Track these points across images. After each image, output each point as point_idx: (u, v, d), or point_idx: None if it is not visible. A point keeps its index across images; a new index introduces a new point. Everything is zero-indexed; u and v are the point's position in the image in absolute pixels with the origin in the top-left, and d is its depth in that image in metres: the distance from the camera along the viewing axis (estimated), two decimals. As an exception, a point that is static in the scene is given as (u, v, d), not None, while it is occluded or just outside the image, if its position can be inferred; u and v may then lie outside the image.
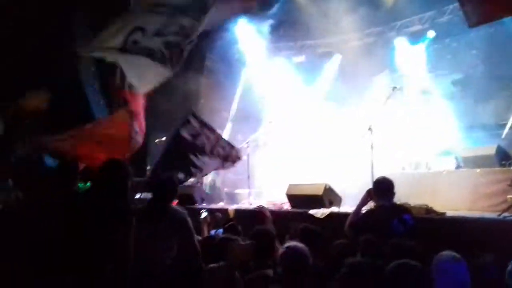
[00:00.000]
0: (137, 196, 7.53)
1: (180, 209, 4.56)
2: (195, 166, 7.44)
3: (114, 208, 3.25)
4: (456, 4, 10.59)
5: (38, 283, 3.02)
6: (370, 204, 5.16)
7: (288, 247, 3.38)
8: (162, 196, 4.39)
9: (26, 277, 3.01)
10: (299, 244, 3.46)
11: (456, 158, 8.03)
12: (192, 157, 7.39)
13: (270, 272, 3.30)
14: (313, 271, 3.35)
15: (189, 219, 4.39)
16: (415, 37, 11.70)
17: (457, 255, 3.22)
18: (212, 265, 3.72)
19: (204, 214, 6.19)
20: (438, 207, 5.89)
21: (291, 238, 4.37)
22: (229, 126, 12.81)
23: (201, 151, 7.46)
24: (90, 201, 3.24)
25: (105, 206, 3.22)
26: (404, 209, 4.91)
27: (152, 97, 8.19)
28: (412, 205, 5.68)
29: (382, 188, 4.86)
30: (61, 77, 11.12)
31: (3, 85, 8.37)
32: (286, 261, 3.28)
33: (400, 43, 11.78)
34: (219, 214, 6.56)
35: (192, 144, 7.45)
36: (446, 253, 3.28)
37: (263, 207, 6.01)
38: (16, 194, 4.18)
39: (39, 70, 9.88)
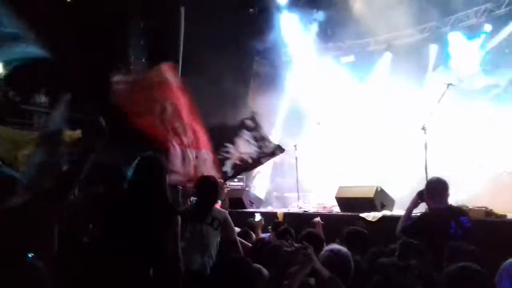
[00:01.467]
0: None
1: (221, 209, 4.65)
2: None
3: (157, 207, 3.26)
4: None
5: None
6: (423, 207, 4.93)
7: (331, 250, 3.25)
8: (206, 197, 4.56)
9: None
10: (342, 248, 3.32)
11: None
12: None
13: (312, 280, 3.17)
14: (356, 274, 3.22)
15: (229, 218, 4.53)
16: (471, 31, 11.23)
17: None
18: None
19: (258, 217, 6.18)
20: (498, 209, 5.56)
21: (341, 243, 4.24)
22: (277, 128, 12.73)
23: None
24: (133, 200, 3.24)
25: (149, 205, 3.23)
26: (460, 211, 4.65)
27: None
28: (470, 207, 5.40)
29: (437, 190, 4.61)
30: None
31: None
32: (327, 265, 3.15)
33: (455, 38, 11.33)
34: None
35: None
36: None
37: (318, 221, 5.87)
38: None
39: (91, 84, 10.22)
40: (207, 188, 4.59)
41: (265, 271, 3.17)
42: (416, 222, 4.60)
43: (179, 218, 3.29)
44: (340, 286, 3.00)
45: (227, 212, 4.67)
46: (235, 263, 2.88)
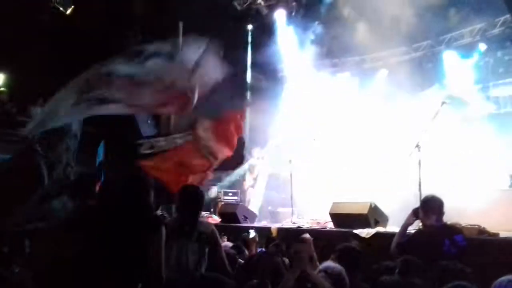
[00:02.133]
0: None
1: (207, 222, 4.60)
2: None
3: (142, 218, 3.28)
4: (508, 16, 10.33)
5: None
6: (417, 224, 4.94)
7: (324, 270, 3.24)
8: (192, 209, 4.42)
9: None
10: (336, 265, 3.33)
11: (511, 177, 7.64)
12: None
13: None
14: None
15: (216, 232, 4.43)
16: (466, 51, 11.35)
17: None
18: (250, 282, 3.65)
19: (252, 234, 6.16)
20: (491, 228, 5.58)
21: (334, 259, 4.24)
22: (272, 142, 12.74)
23: None
24: (116, 212, 3.26)
25: (133, 216, 3.25)
26: (455, 229, 4.67)
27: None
28: (463, 225, 5.42)
29: (432, 207, 4.62)
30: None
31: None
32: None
33: (450, 57, 11.44)
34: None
35: None
36: (508, 277, 3.06)
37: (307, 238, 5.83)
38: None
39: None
40: (191, 199, 4.44)
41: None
42: (411, 240, 4.61)
43: (164, 228, 3.29)
44: None
45: (212, 224, 4.59)
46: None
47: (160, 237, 3.24)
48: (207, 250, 4.29)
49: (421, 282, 3.03)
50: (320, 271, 3.32)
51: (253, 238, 5.99)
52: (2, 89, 12.63)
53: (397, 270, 3.60)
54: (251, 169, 11.68)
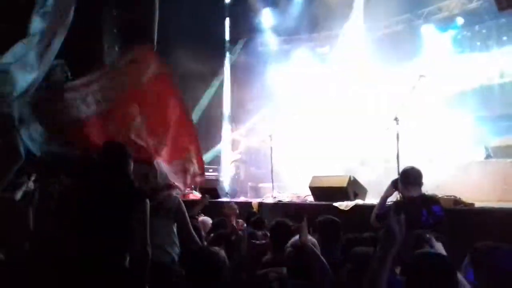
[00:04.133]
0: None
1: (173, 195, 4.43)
2: None
3: (122, 190, 3.24)
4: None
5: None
6: (396, 196, 5.02)
7: (291, 245, 3.27)
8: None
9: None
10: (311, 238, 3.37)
11: (486, 148, 7.78)
12: None
13: (283, 269, 3.21)
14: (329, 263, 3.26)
15: (183, 206, 4.32)
16: (443, 24, 11.40)
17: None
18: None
19: (231, 206, 6.14)
20: (466, 198, 5.70)
21: (314, 232, 4.29)
22: (253, 118, 12.76)
23: None
24: (98, 185, 3.22)
25: (114, 188, 3.21)
26: (433, 200, 4.73)
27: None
28: (439, 196, 5.51)
29: (411, 179, 4.68)
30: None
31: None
32: (294, 260, 3.19)
33: (428, 30, 11.49)
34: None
35: None
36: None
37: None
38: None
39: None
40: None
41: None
42: (389, 211, 4.68)
43: (147, 201, 3.25)
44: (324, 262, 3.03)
45: (180, 197, 4.44)
46: (202, 254, 2.89)
47: (144, 210, 3.20)
48: (175, 225, 4.22)
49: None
50: (287, 247, 3.34)
51: (230, 207, 5.90)
52: None
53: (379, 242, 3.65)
54: (236, 145, 11.68)
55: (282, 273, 3.31)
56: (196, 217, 5.87)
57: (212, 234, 5.10)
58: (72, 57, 4.65)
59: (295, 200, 7.97)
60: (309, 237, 3.41)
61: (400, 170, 5.16)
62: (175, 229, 4.26)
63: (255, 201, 8.18)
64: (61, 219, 3.25)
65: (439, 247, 3.11)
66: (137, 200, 3.22)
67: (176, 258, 4.13)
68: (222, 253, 2.94)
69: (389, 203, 4.98)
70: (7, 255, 3.64)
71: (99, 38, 11.77)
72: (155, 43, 10.91)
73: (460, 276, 2.71)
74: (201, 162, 5.18)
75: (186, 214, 4.34)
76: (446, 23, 11.40)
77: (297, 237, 3.36)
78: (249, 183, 10.77)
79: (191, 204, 5.74)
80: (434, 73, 9.92)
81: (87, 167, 3.58)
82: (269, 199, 8.34)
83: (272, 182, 9.00)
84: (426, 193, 4.82)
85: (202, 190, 9.31)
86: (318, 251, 3.28)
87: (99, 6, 11.62)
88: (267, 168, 9.33)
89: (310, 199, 7.64)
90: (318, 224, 4.46)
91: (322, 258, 3.11)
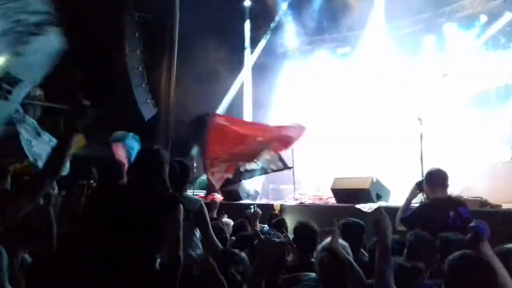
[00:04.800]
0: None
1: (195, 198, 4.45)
2: None
3: (158, 195, 3.23)
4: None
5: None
6: (420, 197, 4.94)
7: (324, 249, 3.21)
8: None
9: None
10: (341, 242, 3.31)
11: (512, 148, 7.64)
12: None
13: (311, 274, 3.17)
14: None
15: (204, 209, 4.29)
16: (466, 22, 11.21)
17: None
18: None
19: (253, 209, 6.16)
20: (493, 199, 5.59)
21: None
22: (273, 119, 12.72)
23: None
24: (133, 190, 3.24)
25: (149, 193, 3.20)
26: (459, 202, 4.64)
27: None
28: (465, 197, 5.42)
29: (437, 180, 4.60)
30: (111, 79, 11.42)
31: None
32: (324, 265, 3.13)
33: (450, 29, 11.31)
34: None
35: None
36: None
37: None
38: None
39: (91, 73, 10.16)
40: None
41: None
42: (415, 213, 4.59)
43: (181, 206, 3.26)
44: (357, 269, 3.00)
45: (202, 201, 4.46)
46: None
47: (178, 215, 3.19)
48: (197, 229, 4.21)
49: (426, 269, 3.04)
50: (321, 251, 3.29)
51: (254, 213, 5.95)
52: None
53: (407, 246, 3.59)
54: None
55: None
56: (220, 218, 5.88)
57: (233, 237, 5.09)
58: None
59: (317, 202, 7.93)
60: (340, 240, 3.36)
61: (424, 171, 5.10)
62: (196, 232, 4.27)
63: (276, 203, 8.15)
64: (91, 221, 3.27)
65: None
66: (171, 205, 3.22)
67: (198, 260, 4.13)
68: (244, 256, 2.93)
69: (414, 205, 4.90)
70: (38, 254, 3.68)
71: (120, 43, 11.91)
72: (175, 45, 11.05)
73: None
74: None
75: (207, 217, 4.34)
76: (469, 21, 11.19)
77: (328, 240, 3.31)
78: (271, 185, 10.75)
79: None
80: (458, 72, 9.76)
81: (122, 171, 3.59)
82: (290, 201, 8.31)
83: (294, 184, 8.97)
84: (452, 195, 4.73)
85: (224, 192, 9.35)
86: (350, 256, 3.23)
87: (119, 11, 11.78)
88: (288, 170, 9.29)
89: (332, 201, 7.58)
90: (341, 226, 4.41)
91: (356, 266, 3.06)
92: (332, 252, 3.08)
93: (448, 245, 3.36)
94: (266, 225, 5.83)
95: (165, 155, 3.46)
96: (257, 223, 5.74)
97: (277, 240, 3.60)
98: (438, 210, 4.32)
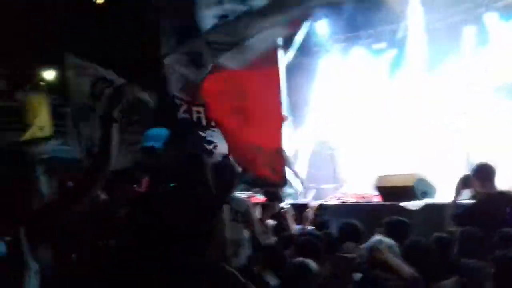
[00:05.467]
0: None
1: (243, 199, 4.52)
2: None
3: (203, 197, 3.27)
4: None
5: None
6: (467, 193, 4.82)
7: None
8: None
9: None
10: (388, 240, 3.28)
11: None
12: None
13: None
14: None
15: (251, 209, 4.32)
16: (508, 12, 10.82)
17: None
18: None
19: (286, 208, 6.19)
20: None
21: (381, 233, 4.19)
22: (311, 119, 12.65)
23: None
24: (179, 193, 3.29)
25: (195, 196, 3.25)
26: (513, 196, 4.48)
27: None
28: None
29: (486, 175, 4.47)
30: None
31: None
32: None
33: (491, 19, 10.94)
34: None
35: None
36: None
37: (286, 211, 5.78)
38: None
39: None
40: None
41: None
42: (469, 209, 4.46)
43: (227, 207, 3.31)
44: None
45: (250, 201, 4.50)
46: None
47: (223, 216, 3.29)
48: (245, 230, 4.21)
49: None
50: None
51: (286, 212, 5.95)
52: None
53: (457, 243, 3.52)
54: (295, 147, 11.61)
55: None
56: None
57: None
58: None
59: (360, 200, 7.85)
60: (386, 239, 3.33)
61: (469, 166, 4.96)
62: (244, 233, 4.29)
63: (316, 202, 8.10)
64: (136, 226, 3.34)
65: None
66: (216, 207, 3.26)
67: (246, 260, 4.15)
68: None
69: (461, 201, 4.78)
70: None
71: (157, 48, 12.08)
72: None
73: None
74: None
75: (255, 217, 4.37)
76: (510, 10, 10.80)
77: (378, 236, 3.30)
78: (311, 185, 10.69)
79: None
80: (501, 65, 9.42)
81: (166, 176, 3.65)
82: (332, 200, 8.25)
83: (335, 183, 8.91)
84: (502, 190, 4.58)
85: (266, 193, 9.35)
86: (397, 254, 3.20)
87: (156, 16, 11.97)
88: (327, 169, 9.24)
89: (376, 199, 7.49)
90: (386, 225, 4.36)
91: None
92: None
93: (507, 241, 3.28)
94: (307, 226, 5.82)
95: (206, 159, 3.53)
96: (292, 223, 5.73)
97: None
98: (494, 206, 4.20)
